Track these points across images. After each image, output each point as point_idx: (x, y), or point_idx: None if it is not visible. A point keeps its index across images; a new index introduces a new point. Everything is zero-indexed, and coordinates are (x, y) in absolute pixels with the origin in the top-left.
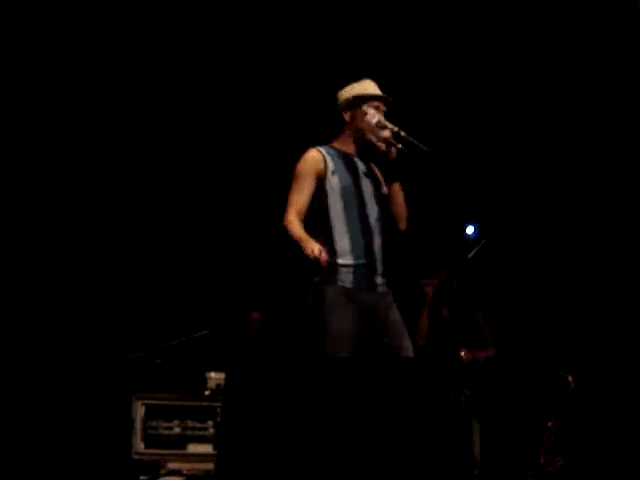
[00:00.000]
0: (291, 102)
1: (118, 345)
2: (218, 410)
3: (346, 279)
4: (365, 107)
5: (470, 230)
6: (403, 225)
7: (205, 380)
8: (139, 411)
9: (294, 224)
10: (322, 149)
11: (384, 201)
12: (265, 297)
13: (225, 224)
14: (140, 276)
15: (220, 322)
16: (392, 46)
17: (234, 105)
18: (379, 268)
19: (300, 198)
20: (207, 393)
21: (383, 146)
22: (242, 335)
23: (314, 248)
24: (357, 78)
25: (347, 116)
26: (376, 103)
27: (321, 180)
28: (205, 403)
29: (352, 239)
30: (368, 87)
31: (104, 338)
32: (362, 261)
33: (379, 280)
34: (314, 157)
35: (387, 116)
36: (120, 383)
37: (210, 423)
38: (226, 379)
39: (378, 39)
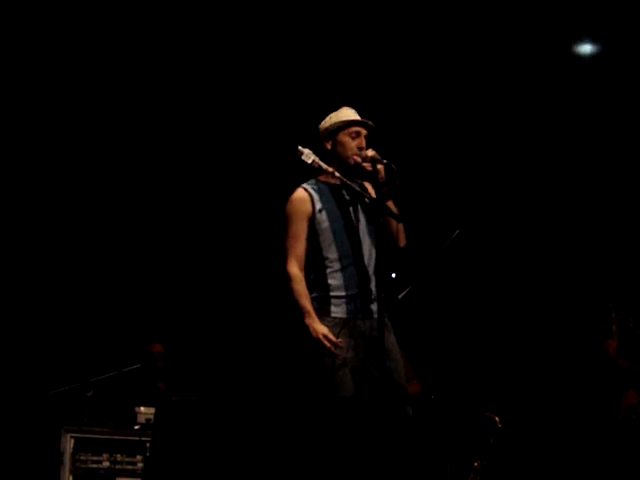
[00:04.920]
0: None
1: (48, 377)
2: (147, 445)
3: (339, 310)
4: (344, 134)
5: None
6: (402, 242)
7: (135, 414)
8: (68, 444)
9: (299, 282)
10: (308, 187)
11: (378, 225)
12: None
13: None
14: (72, 308)
15: (151, 357)
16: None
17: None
18: (374, 295)
19: (297, 245)
20: (136, 427)
21: (369, 165)
22: (147, 370)
23: (319, 333)
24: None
25: (329, 145)
26: (356, 128)
27: (310, 220)
28: (134, 437)
29: (344, 273)
30: (346, 114)
31: (33, 370)
32: (355, 291)
33: (374, 307)
34: (300, 199)
35: (369, 139)
36: (49, 416)
37: (139, 457)
38: (156, 414)
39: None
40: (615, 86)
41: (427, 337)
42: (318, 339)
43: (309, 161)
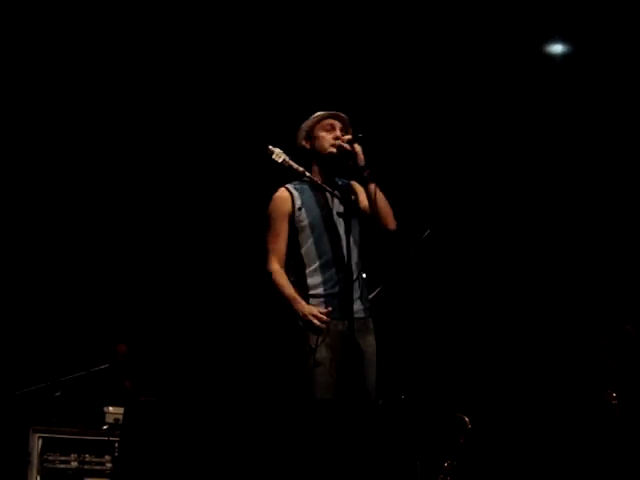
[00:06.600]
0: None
1: (16, 377)
2: (116, 445)
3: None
4: (319, 129)
5: None
6: (392, 224)
7: (103, 414)
8: (36, 444)
9: (280, 276)
10: (290, 186)
11: (361, 224)
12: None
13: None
14: (40, 309)
15: (116, 357)
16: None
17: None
18: (355, 295)
19: (277, 243)
20: (105, 427)
21: (348, 146)
22: (114, 370)
23: (307, 314)
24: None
25: (307, 144)
26: (329, 121)
27: (290, 218)
28: (103, 437)
29: (323, 271)
30: (317, 113)
31: (0, 370)
32: (334, 291)
33: (356, 306)
34: (281, 197)
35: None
36: (17, 416)
37: (107, 458)
38: (124, 414)
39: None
40: (586, 86)
41: (397, 337)
42: (307, 320)
43: (279, 160)
